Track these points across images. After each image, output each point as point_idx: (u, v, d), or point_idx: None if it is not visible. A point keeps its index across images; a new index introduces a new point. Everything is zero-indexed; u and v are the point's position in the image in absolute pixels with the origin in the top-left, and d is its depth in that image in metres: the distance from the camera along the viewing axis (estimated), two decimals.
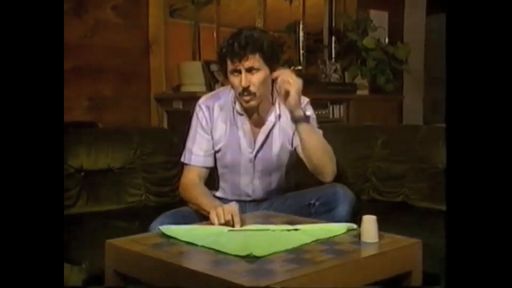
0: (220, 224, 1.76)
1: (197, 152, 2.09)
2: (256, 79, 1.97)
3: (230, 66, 1.98)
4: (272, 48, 2.01)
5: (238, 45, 1.92)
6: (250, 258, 1.45)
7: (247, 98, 2.00)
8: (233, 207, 1.80)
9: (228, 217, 1.75)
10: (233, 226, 1.75)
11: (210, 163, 2.12)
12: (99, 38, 3.09)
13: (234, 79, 1.99)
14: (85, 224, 2.34)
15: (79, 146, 2.55)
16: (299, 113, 1.97)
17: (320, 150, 2.03)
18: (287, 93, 1.92)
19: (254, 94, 1.99)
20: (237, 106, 2.09)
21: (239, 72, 1.96)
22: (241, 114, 2.10)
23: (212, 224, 1.79)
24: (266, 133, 2.11)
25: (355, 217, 1.71)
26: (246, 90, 1.97)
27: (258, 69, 1.97)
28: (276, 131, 2.12)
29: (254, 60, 1.95)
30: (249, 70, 1.96)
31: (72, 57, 2.91)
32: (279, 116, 2.11)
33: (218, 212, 1.78)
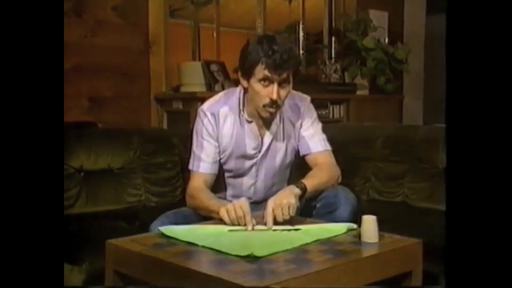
0: (232, 222, 1.74)
1: (205, 159, 2.06)
2: (284, 92, 1.94)
3: (262, 74, 1.90)
4: (300, 61, 2.00)
5: (280, 57, 1.86)
6: (250, 258, 1.45)
7: (272, 110, 1.96)
8: (244, 202, 1.78)
9: (240, 213, 1.74)
10: (244, 225, 1.73)
11: (217, 170, 2.09)
12: (99, 38, 3.09)
13: (262, 89, 1.92)
14: (85, 224, 2.34)
15: (79, 146, 2.55)
16: (296, 202, 1.84)
17: (325, 186, 2.03)
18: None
19: (279, 106, 1.97)
20: (246, 115, 2.06)
21: (271, 82, 1.91)
22: (250, 122, 2.07)
23: (221, 223, 1.78)
24: (272, 135, 2.10)
25: (356, 218, 1.71)
26: (274, 102, 1.93)
27: (288, 83, 1.94)
28: (280, 134, 2.11)
29: (289, 73, 1.92)
30: (281, 82, 1.92)
31: (72, 57, 2.92)
32: (283, 119, 2.11)
33: (228, 208, 1.76)
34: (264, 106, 1.95)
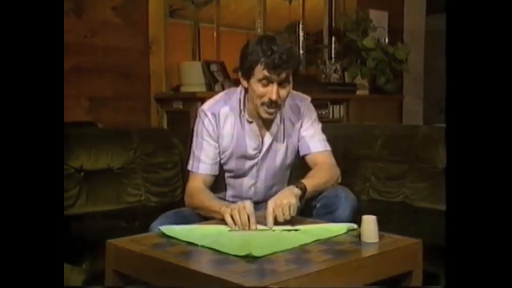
0: (237, 225, 1.74)
1: (204, 160, 2.05)
2: (284, 92, 1.94)
3: (261, 74, 1.90)
4: (300, 61, 1.99)
5: (279, 57, 1.86)
6: (249, 258, 1.45)
7: (271, 110, 1.96)
8: (248, 203, 1.77)
9: (245, 219, 1.74)
10: (249, 227, 1.73)
11: (217, 171, 2.09)
12: (99, 38, 3.09)
13: (262, 89, 1.92)
14: (85, 224, 2.34)
15: (79, 146, 2.55)
16: (297, 202, 1.84)
17: (325, 186, 2.03)
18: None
19: (279, 106, 1.97)
20: (247, 115, 2.06)
21: (270, 82, 1.91)
22: (250, 122, 2.07)
23: (221, 223, 1.78)
24: (273, 136, 2.10)
25: (356, 218, 1.71)
26: (273, 102, 1.93)
27: (288, 83, 1.94)
28: (280, 136, 2.12)
29: (288, 74, 1.91)
30: (281, 82, 1.92)
31: (72, 57, 2.91)
32: (283, 120, 2.11)
33: (234, 214, 1.75)
34: (263, 106, 1.95)
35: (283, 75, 1.90)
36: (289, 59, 1.88)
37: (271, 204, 1.79)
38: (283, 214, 1.76)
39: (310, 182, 1.94)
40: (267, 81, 1.91)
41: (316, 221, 1.89)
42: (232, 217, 1.76)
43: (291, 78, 1.94)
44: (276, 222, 1.76)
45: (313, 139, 2.13)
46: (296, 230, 1.74)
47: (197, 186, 2.04)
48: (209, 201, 1.96)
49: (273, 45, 1.88)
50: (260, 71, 1.90)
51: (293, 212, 1.79)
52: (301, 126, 2.14)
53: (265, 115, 1.99)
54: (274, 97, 1.91)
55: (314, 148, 2.12)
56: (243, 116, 2.06)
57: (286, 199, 1.80)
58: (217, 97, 2.13)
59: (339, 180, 2.10)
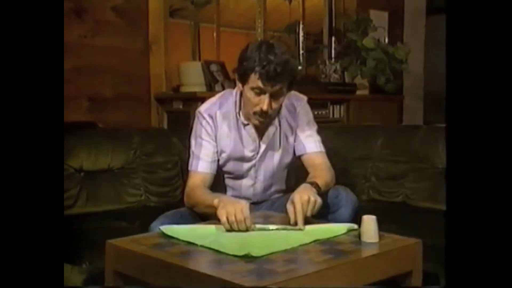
0: (231, 225, 1.70)
1: (203, 158, 2.05)
2: (277, 104, 1.94)
3: (255, 84, 1.89)
4: (296, 74, 1.99)
5: (274, 69, 1.85)
6: (248, 258, 1.45)
7: (262, 119, 1.97)
8: (244, 205, 1.72)
9: (242, 227, 1.70)
10: (245, 229, 1.70)
11: (215, 170, 2.09)
12: (99, 38, 3.09)
13: (254, 98, 1.92)
14: (85, 224, 2.34)
15: (79, 146, 2.55)
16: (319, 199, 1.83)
17: (329, 187, 2.02)
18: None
19: (269, 116, 1.98)
20: (242, 118, 2.06)
21: (263, 92, 1.90)
22: (246, 124, 2.07)
23: (218, 222, 1.76)
24: (270, 138, 2.10)
25: (357, 219, 1.71)
26: (264, 112, 1.93)
27: (282, 94, 1.94)
28: (277, 137, 2.12)
29: (283, 86, 1.91)
30: (274, 94, 1.91)
31: (72, 57, 2.91)
32: (280, 122, 2.11)
33: (228, 211, 1.70)
34: (254, 114, 1.95)
35: (277, 87, 1.89)
36: (284, 72, 1.87)
37: (298, 202, 1.74)
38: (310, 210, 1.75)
39: (320, 181, 1.94)
40: (259, 91, 1.90)
41: (316, 221, 1.88)
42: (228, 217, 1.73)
43: (285, 90, 1.94)
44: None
45: (308, 139, 2.13)
46: (296, 230, 1.74)
47: (196, 184, 2.03)
48: (204, 195, 1.95)
49: (271, 54, 1.86)
50: (254, 80, 1.89)
51: (317, 209, 1.78)
52: (297, 126, 2.14)
53: (255, 122, 2.00)
54: (265, 107, 1.91)
55: (310, 149, 2.12)
56: (239, 119, 2.06)
57: (311, 196, 1.77)
58: (213, 99, 2.13)
59: (334, 181, 2.10)
